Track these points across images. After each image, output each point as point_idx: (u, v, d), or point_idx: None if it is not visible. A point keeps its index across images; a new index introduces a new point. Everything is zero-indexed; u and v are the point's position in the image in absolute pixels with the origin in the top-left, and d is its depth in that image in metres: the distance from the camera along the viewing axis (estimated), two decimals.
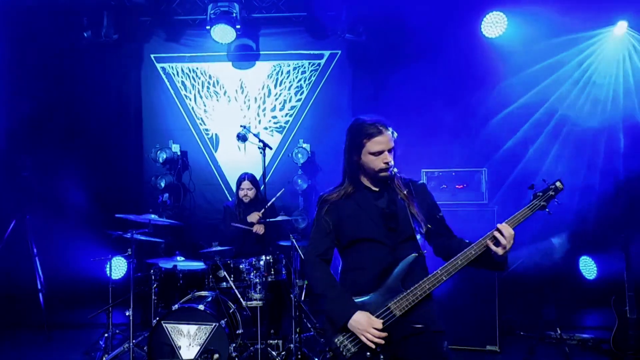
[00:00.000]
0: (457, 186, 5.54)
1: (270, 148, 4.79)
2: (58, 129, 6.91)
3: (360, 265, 2.48)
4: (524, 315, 5.84)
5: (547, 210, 2.39)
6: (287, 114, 7.98)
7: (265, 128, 7.94)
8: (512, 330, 5.73)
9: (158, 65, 7.96)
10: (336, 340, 2.39)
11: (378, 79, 7.44)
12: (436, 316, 2.41)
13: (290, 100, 8.00)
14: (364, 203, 2.50)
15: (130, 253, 4.74)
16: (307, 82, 8.00)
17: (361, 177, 2.55)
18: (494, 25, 6.60)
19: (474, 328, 5.18)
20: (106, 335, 4.81)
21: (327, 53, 7.95)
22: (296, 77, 8.02)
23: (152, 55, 7.92)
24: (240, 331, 4.64)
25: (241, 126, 4.78)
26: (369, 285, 2.41)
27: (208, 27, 6.98)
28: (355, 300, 2.39)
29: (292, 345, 4.66)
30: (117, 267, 7.17)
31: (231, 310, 4.69)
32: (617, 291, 4.95)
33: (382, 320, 2.30)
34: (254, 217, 5.40)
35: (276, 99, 8.02)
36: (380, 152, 2.43)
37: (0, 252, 5.83)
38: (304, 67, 8.00)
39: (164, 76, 7.97)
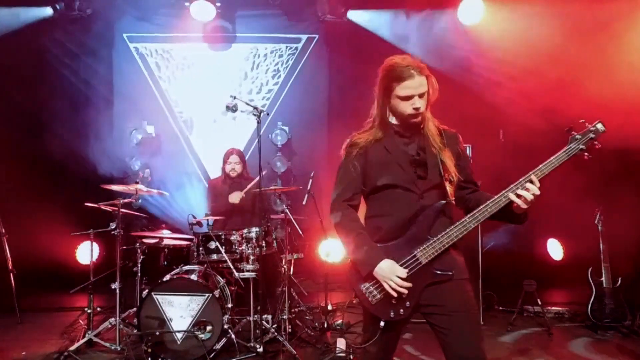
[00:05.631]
0: None
1: (268, 114, 4.67)
2: (25, 104, 6.60)
3: (385, 211, 2.38)
4: (501, 291, 5.98)
5: (586, 154, 2.23)
6: (264, 98, 7.91)
7: (242, 111, 7.84)
8: (492, 305, 5.86)
9: (131, 45, 7.74)
10: (362, 287, 2.33)
11: (355, 62, 7.45)
12: (462, 265, 2.36)
13: (267, 84, 7.94)
14: (393, 148, 2.39)
15: (115, 226, 4.56)
16: (284, 65, 7.96)
17: (392, 121, 2.42)
18: (471, 11, 6.68)
19: None
20: (89, 311, 4.59)
21: (304, 37, 7.94)
22: (273, 61, 7.97)
23: (124, 35, 7.68)
24: (230, 305, 4.55)
25: (231, 96, 4.63)
26: (394, 232, 2.33)
27: (187, 4, 6.83)
28: (380, 246, 2.33)
29: (283, 318, 4.60)
30: (86, 253, 6.94)
31: (220, 285, 4.59)
32: (584, 269, 5.17)
33: (407, 270, 2.25)
34: (236, 197, 5.27)
35: (252, 83, 7.94)
36: (409, 97, 2.29)
37: None
38: (281, 51, 7.96)
39: (137, 56, 7.76)
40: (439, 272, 2.28)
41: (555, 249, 6.98)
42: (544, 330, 5.08)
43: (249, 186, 5.21)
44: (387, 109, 2.39)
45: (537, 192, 2.18)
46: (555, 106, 6.09)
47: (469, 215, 2.27)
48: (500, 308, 5.84)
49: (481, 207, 2.26)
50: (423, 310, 2.32)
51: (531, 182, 2.19)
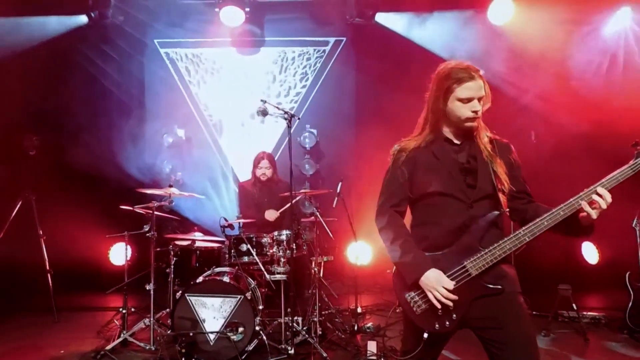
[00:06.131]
0: None
1: (299, 118, 4.70)
2: (60, 110, 6.80)
3: (433, 219, 2.31)
4: (534, 296, 5.87)
5: None
6: (292, 100, 7.96)
7: (271, 115, 7.89)
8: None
9: (162, 51, 7.89)
10: (407, 295, 2.26)
11: (383, 64, 7.45)
12: (514, 278, 2.25)
13: (295, 87, 8.00)
14: (443, 155, 2.31)
15: (148, 228, 4.65)
16: (312, 68, 8.00)
17: (443, 127, 2.35)
18: (501, 11, 6.63)
19: None
20: (124, 311, 4.69)
21: (332, 40, 7.97)
22: (301, 64, 8.01)
23: (155, 41, 7.84)
24: (261, 307, 4.58)
25: (261, 100, 4.68)
26: (441, 241, 2.26)
27: (217, 10, 6.93)
28: (427, 255, 2.26)
29: (314, 320, 4.63)
30: (118, 255, 7.11)
31: (251, 287, 4.63)
32: (621, 274, 5.05)
33: (454, 282, 2.17)
34: (271, 215, 5.33)
35: (281, 86, 8.01)
36: (469, 99, 2.23)
37: (6, 233, 5.66)
38: (309, 54, 8.01)
39: (167, 61, 7.91)
40: (489, 285, 2.19)
41: (590, 253, 6.83)
42: (579, 335, 4.95)
43: (284, 207, 5.26)
44: (441, 114, 2.31)
45: (610, 201, 2.09)
46: (587, 109, 6.05)
47: (524, 228, 2.18)
48: (534, 312, 5.68)
49: (537, 220, 2.16)
50: (472, 324, 2.24)
51: (598, 193, 2.11)
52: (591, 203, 2.11)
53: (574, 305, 5.12)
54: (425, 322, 2.23)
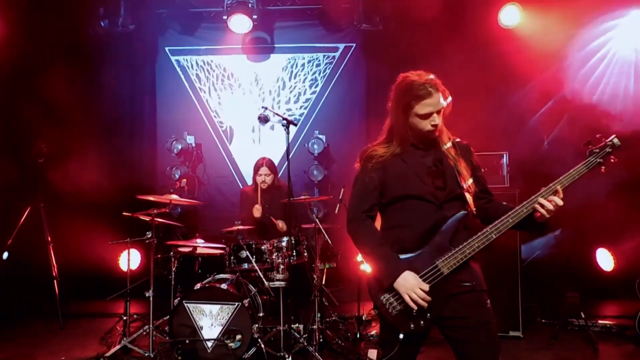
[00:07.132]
0: None
1: (295, 125, 4.67)
2: (73, 117, 6.90)
3: (405, 222, 2.38)
4: (544, 303, 5.76)
5: (603, 167, 2.29)
6: (301, 107, 7.95)
7: (279, 121, 7.90)
8: (533, 317, 5.61)
9: (172, 58, 7.96)
10: (382, 298, 2.30)
11: (393, 70, 7.37)
12: (481, 276, 2.36)
13: (304, 93, 7.98)
14: (411, 160, 2.40)
15: (150, 235, 4.65)
16: (321, 75, 7.98)
17: (408, 136, 2.42)
18: (511, 15, 6.56)
19: (498, 314, 5.07)
20: (125, 317, 4.72)
21: (341, 46, 7.94)
22: (311, 70, 8.00)
23: (166, 48, 7.93)
24: (261, 314, 4.55)
25: (262, 107, 4.69)
26: (414, 242, 2.33)
27: (225, 17, 6.97)
28: (401, 257, 2.31)
29: (313, 328, 4.57)
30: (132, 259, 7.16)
31: (252, 294, 4.61)
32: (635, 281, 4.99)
33: (428, 283, 2.23)
34: (256, 211, 5.27)
35: (291, 92, 8.00)
36: (429, 115, 2.32)
37: (15, 239, 5.76)
38: (319, 60, 7.99)
39: (178, 69, 7.98)
40: (459, 283, 2.28)
41: (605, 259, 6.61)
42: (589, 345, 4.80)
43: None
44: (404, 127, 2.38)
45: (560, 203, 2.21)
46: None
47: (490, 226, 2.28)
48: (543, 321, 5.60)
49: (502, 217, 2.27)
50: (443, 322, 2.31)
51: (555, 192, 2.23)
52: (542, 205, 2.23)
53: (581, 314, 4.99)
54: (400, 323, 2.28)
